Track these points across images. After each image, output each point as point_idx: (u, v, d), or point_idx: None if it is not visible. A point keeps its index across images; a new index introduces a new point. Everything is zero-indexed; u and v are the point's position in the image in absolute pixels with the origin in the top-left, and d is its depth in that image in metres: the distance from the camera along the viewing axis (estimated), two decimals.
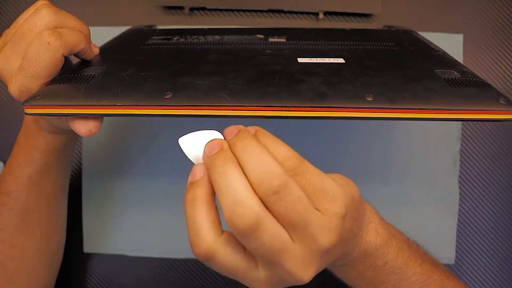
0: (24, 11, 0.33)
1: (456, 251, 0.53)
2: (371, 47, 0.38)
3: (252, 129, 0.25)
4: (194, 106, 0.27)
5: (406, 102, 0.27)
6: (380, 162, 0.53)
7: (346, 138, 0.53)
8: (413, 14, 0.54)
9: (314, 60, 0.33)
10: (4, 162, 0.55)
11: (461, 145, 0.53)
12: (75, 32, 0.32)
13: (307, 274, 0.25)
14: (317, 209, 0.25)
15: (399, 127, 0.53)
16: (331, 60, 0.33)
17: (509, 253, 0.53)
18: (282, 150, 0.25)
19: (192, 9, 0.54)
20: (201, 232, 0.24)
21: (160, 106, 0.27)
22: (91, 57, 0.35)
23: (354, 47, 0.38)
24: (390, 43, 0.39)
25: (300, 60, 0.33)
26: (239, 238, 0.24)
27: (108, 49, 0.39)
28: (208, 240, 0.24)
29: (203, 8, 0.54)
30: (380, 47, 0.38)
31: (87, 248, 0.54)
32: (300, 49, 0.37)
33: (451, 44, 0.52)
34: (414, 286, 0.32)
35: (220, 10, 0.54)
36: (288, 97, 0.27)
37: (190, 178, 0.25)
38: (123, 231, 0.54)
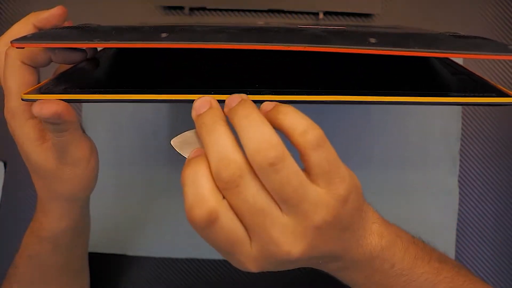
0: None
1: (456, 251, 0.53)
2: (372, 26, 0.39)
3: (270, 104, 0.25)
4: (190, 44, 0.25)
5: (411, 46, 0.25)
6: (379, 162, 0.53)
7: (345, 138, 0.53)
8: (413, 14, 0.54)
9: (314, 27, 0.33)
10: (4, 162, 0.55)
11: (461, 145, 0.53)
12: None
13: (296, 247, 0.24)
14: (318, 186, 0.24)
15: (399, 127, 0.53)
16: (332, 28, 0.33)
17: (509, 253, 0.53)
18: (304, 121, 0.24)
19: (192, 9, 0.54)
20: (204, 191, 0.23)
21: (155, 43, 0.25)
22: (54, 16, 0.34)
23: (355, 26, 0.38)
24: (390, 26, 0.40)
25: (300, 27, 0.33)
26: (223, 192, 0.23)
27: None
28: (212, 200, 0.23)
29: (203, 8, 0.54)
30: (381, 27, 0.38)
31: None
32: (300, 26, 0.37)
33: None
34: (424, 286, 0.31)
35: (220, 10, 0.54)
36: (288, 38, 0.26)
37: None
38: (123, 231, 0.54)
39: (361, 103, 0.27)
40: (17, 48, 0.27)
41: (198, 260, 0.54)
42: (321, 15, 0.53)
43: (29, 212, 0.55)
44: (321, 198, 0.24)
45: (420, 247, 0.32)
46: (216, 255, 0.54)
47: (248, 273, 0.53)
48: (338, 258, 0.28)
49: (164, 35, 0.25)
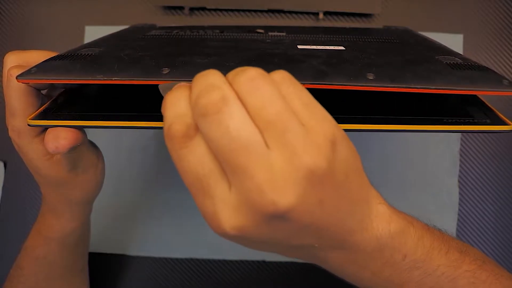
0: None
1: None
2: (371, 39, 0.38)
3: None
4: (191, 82, 0.27)
5: (408, 81, 0.26)
6: (379, 162, 0.53)
7: None
8: (413, 14, 0.54)
9: (314, 47, 0.33)
10: (4, 162, 0.55)
11: (461, 145, 0.53)
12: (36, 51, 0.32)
13: (283, 196, 0.19)
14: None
15: None
16: (331, 47, 0.33)
17: (509, 253, 0.53)
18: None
19: (192, 9, 0.54)
20: (184, 109, 0.21)
21: (156, 80, 0.26)
22: None
23: (354, 39, 0.38)
24: (390, 37, 0.40)
25: (300, 47, 0.33)
26: (200, 122, 0.20)
27: (107, 38, 0.39)
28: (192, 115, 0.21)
29: (203, 8, 0.54)
30: (380, 40, 0.38)
31: None
32: (300, 40, 0.37)
33: (451, 44, 0.52)
34: (441, 281, 0.27)
35: (220, 10, 0.55)
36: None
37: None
38: (123, 231, 0.54)
39: (349, 131, 0.27)
40: (22, 83, 0.28)
41: (198, 260, 0.54)
42: (321, 15, 0.53)
43: (29, 212, 0.55)
44: (306, 134, 0.20)
45: (437, 236, 0.28)
46: (216, 255, 0.53)
47: (249, 273, 0.53)
48: (340, 243, 0.24)
49: (165, 70, 0.27)
